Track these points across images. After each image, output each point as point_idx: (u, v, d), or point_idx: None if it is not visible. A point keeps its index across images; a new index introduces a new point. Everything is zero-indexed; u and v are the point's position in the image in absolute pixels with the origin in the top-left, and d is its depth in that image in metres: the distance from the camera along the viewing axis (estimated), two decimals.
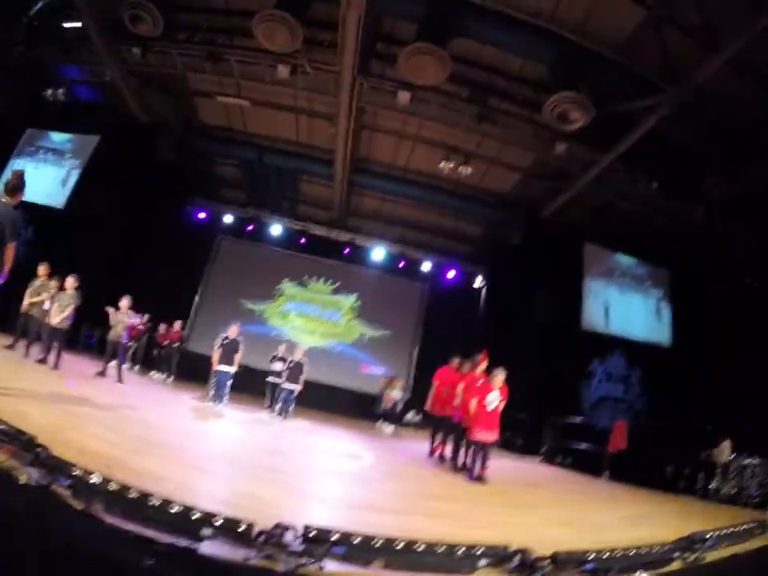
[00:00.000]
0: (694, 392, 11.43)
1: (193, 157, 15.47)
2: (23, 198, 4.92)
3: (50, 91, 13.06)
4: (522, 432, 12.17)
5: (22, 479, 2.49)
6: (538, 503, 5.50)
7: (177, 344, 12.93)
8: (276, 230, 16.75)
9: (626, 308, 13.73)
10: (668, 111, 9.05)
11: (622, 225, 13.22)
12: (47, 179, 14.22)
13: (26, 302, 8.93)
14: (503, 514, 4.63)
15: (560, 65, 9.12)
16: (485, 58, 10.07)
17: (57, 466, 2.65)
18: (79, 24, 11.43)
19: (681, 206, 11.70)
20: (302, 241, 16.85)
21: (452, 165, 11.89)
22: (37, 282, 9.08)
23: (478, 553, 2.62)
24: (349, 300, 16.92)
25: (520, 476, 8.16)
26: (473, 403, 6.91)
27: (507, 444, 11.79)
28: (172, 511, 2.41)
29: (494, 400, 6.74)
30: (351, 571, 2.35)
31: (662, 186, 11.38)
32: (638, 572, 2.71)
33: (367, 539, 2.56)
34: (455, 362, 8.68)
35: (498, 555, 2.63)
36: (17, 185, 4.86)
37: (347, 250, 16.78)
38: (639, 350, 13.26)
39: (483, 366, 7.48)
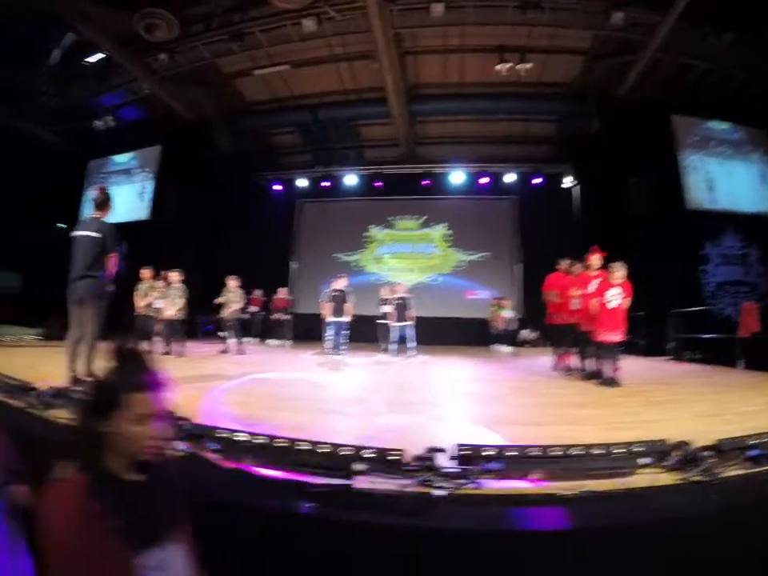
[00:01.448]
0: None
1: (250, 136, 15.60)
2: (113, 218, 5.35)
3: (98, 122, 13.61)
4: (644, 332, 11.33)
5: (169, 451, 2.72)
6: (678, 399, 5.25)
7: (286, 309, 13.59)
8: (350, 180, 16.73)
9: (729, 179, 12.29)
10: None
11: (705, 89, 11.84)
12: (125, 197, 15.08)
13: (139, 303, 9.68)
14: (644, 413, 4.46)
15: None
16: None
17: (202, 433, 2.90)
18: (100, 54, 11.71)
19: (762, 54, 10.25)
20: (378, 184, 16.68)
21: (508, 65, 11.09)
22: (144, 286, 9.78)
23: (637, 451, 2.65)
24: (439, 230, 16.74)
25: (652, 375, 7.79)
26: (592, 304, 6.64)
27: (630, 347, 11.23)
28: (321, 452, 2.60)
29: (615, 297, 6.41)
30: (509, 486, 2.40)
31: (737, 36, 9.96)
32: None
33: (522, 450, 2.65)
34: (563, 265, 8.31)
35: (658, 451, 2.67)
36: (103, 199, 5.32)
37: (425, 182, 16.42)
38: (752, 225, 11.88)
39: (596, 263, 7.18)
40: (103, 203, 5.31)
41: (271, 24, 10.71)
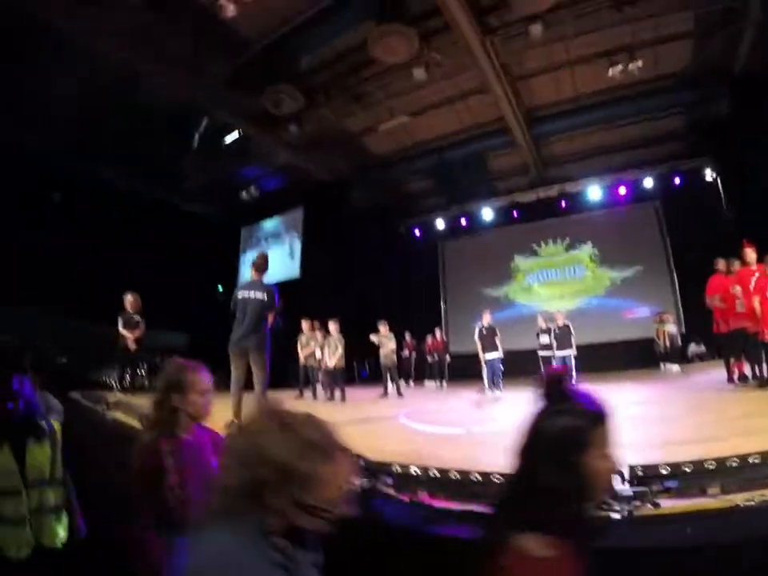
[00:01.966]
0: None
1: (384, 187, 16.40)
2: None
3: (244, 193, 15.20)
4: None
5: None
6: None
7: (442, 350, 13.76)
8: (486, 214, 16.73)
9: None
10: None
11: None
12: (277, 259, 16.48)
13: (301, 354, 10.40)
14: None
15: None
16: None
17: (377, 469, 3.09)
18: (236, 134, 13.09)
19: None
20: (515, 214, 16.52)
21: (620, 67, 10.61)
22: (304, 337, 10.52)
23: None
24: (585, 251, 15.97)
25: None
26: (755, 302, 6.03)
27: None
28: (497, 481, 2.65)
29: None
30: (687, 504, 2.31)
31: None
32: None
33: (699, 465, 2.54)
34: (722, 266, 7.66)
35: None
36: (263, 262, 6.15)
37: (562, 203, 15.95)
38: None
39: (751, 257, 6.53)
40: (263, 266, 6.11)
41: (384, 80, 11.30)
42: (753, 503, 2.09)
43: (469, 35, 9.42)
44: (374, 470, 3.10)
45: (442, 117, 13.36)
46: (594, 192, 15.38)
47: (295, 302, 14.59)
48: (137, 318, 8.94)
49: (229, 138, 13.33)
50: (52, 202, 12.94)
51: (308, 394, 10.52)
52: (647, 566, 1.95)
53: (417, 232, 17.94)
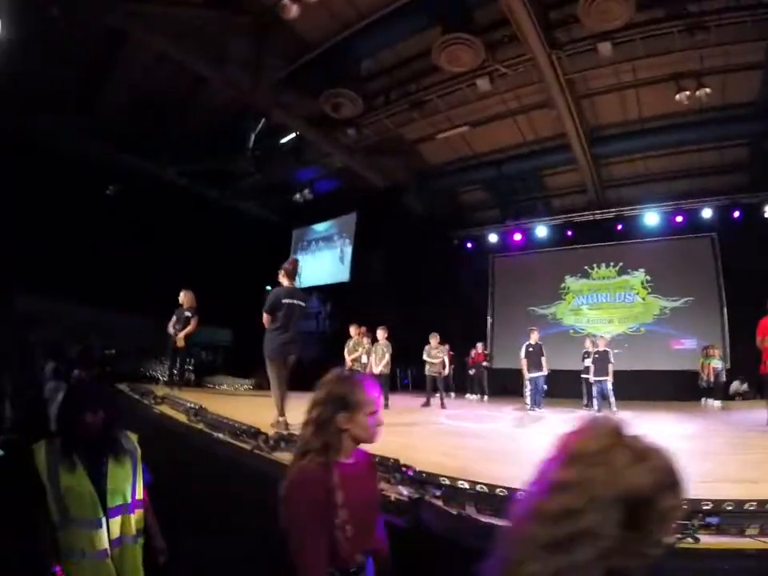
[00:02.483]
0: None
1: (439, 197, 16.52)
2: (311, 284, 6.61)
3: (297, 195, 15.45)
4: None
5: (394, 496, 3.11)
6: None
7: (484, 363, 13.74)
8: (540, 231, 16.53)
9: None
10: None
11: None
12: (327, 262, 16.84)
13: (348, 359, 10.60)
14: None
15: None
16: None
17: (425, 480, 3.23)
18: (292, 134, 13.33)
19: None
20: (570, 233, 16.29)
21: (688, 93, 10.42)
22: (351, 342, 10.69)
23: None
24: (637, 277, 15.59)
25: None
26: None
27: None
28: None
29: None
30: (726, 541, 2.39)
31: None
32: None
33: (739, 505, 2.58)
34: None
35: None
36: (295, 269, 6.28)
37: (618, 227, 15.59)
38: None
39: None
40: (296, 273, 6.31)
41: (446, 89, 11.33)
42: None
43: (536, 48, 9.40)
44: (422, 480, 3.21)
45: (503, 129, 13.36)
46: (651, 218, 15.01)
47: (344, 306, 14.92)
48: (188, 313, 9.19)
49: (285, 139, 13.63)
50: (108, 195, 13.54)
51: None
52: None
53: (469, 244, 17.88)
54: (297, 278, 6.26)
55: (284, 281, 6.14)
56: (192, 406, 6.10)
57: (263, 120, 12.78)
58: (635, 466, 0.95)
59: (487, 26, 9.72)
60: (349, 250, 16.66)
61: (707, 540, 2.32)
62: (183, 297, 9.33)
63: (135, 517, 2.54)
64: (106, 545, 2.36)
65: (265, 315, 5.96)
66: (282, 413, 5.69)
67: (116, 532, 2.41)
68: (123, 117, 12.11)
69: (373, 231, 15.82)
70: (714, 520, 2.44)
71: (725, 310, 14.08)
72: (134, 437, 2.73)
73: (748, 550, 2.22)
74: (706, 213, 14.36)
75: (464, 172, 15.27)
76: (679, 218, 14.74)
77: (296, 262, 6.36)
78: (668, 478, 0.98)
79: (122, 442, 2.59)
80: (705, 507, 2.53)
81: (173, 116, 12.21)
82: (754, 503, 2.51)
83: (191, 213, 14.41)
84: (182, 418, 5.98)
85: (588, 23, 8.64)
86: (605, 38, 9.22)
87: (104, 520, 2.37)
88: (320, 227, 17.80)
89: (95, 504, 2.37)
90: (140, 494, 2.61)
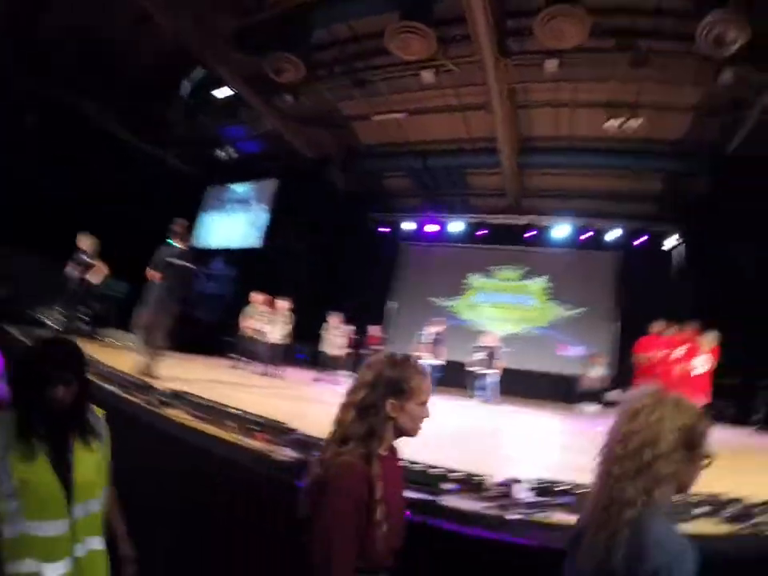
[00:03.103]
0: None
1: (363, 177, 16.52)
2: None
3: (220, 152, 14.77)
4: (734, 400, 10.68)
5: (278, 457, 3.13)
6: (754, 468, 5.06)
7: (377, 347, 13.86)
8: (455, 227, 16.99)
9: None
10: None
11: None
12: (240, 225, 16.23)
13: (246, 325, 10.36)
14: (719, 475, 4.32)
15: None
16: (620, 1, 9.21)
17: (309, 442, 3.22)
18: (228, 90, 12.70)
19: None
20: (482, 232, 16.82)
21: (618, 122, 11.07)
22: (254, 309, 10.45)
23: (694, 501, 2.80)
24: (539, 283, 16.48)
25: (733, 443, 7.47)
26: (676, 369, 6.52)
27: (718, 414, 10.55)
28: (414, 469, 2.89)
29: (701, 364, 6.27)
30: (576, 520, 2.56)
31: None
32: None
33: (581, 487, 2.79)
34: (656, 328, 8.21)
35: (713, 504, 2.86)
36: (180, 232, 6.30)
37: (529, 233, 16.35)
38: None
39: (685, 329, 7.04)
40: (186, 234, 6.35)
41: (392, 73, 11.31)
42: None
43: (486, 52, 9.56)
44: (307, 442, 3.27)
45: (438, 122, 13.55)
46: (561, 231, 15.92)
47: (252, 272, 14.49)
48: (88, 258, 8.61)
49: (219, 94, 12.99)
50: (24, 125, 12.17)
51: (245, 365, 10.39)
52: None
53: (385, 228, 17.99)
54: (189, 240, 6.30)
55: (174, 241, 6.18)
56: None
57: (202, 70, 12.18)
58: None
59: (444, 20, 9.72)
60: (264, 216, 16.20)
61: (559, 517, 2.60)
62: (83, 241, 8.71)
63: (101, 516, 2.07)
64: (70, 554, 1.87)
65: (150, 272, 6.03)
66: (150, 360, 5.70)
67: (81, 537, 1.92)
68: (56, 45, 11.04)
69: (291, 201, 15.41)
70: (567, 499, 2.74)
71: (615, 323, 15.25)
72: (100, 412, 2.18)
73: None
74: (614, 234, 15.49)
75: (392, 157, 15.32)
76: (587, 235, 15.79)
77: (186, 223, 6.34)
78: (700, 412, 1.48)
79: (90, 421, 2.07)
80: (561, 488, 2.87)
81: (107, 50, 11.27)
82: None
83: (106, 153, 13.28)
84: None
85: (541, 38, 8.87)
86: (553, 55, 9.60)
87: (68, 522, 1.88)
88: (238, 188, 17.08)
89: (59, 502, 1.86)
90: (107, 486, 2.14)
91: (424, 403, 1.76)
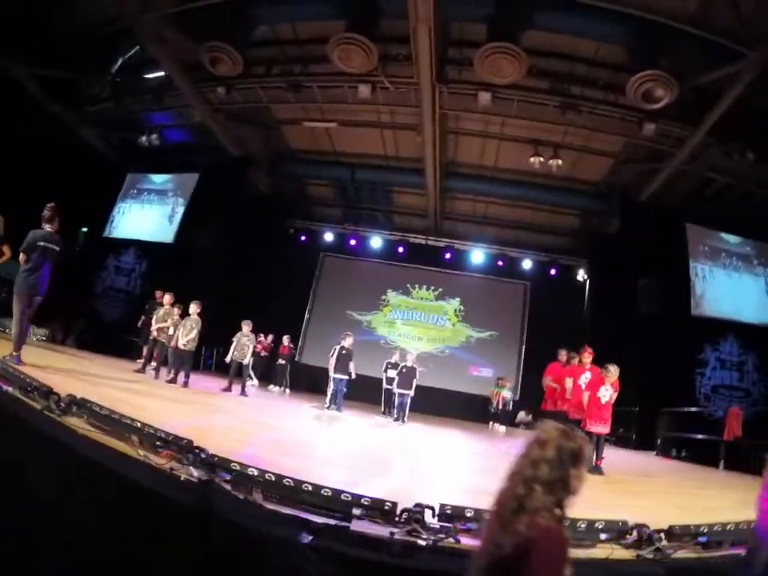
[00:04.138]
0: None
1: (287, 182, 16.35)
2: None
3: (143, 138, 13.83)
4: (635, 426, 11.59)
5: (184, 477, 3.01)
6: (654, 491, 5.47)
7: (288, 357, 13.67)
8: (375, 242, 17.18)
9: (735, 290, 12.66)
10: (752, 76, 8.34)
11: (722, 202, 12.44)
12: (154, 218, 15.44)
13: (153, 328, 9.83)
14: (620, 500, 4.62)
15: (636, 43, 8.78)
16: (559, 46, 9.83)
17: (217, 464, 3.15)
18: (161, 73, 12.24)
19: None
20: (401, 251, 17.14)
21: (542, 159, 11.69)
22: (162, 310, 9.93)
23: (600, 527, 3.01)
24: (453, 304, 16.99)
25: (635, 468, 8.04)
26: (585, 396, 6.88)
27: (621, 439, 11.42)
28: (325, 495, 2.91)
29: (606, 393, 6.67)
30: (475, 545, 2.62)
31: (759, 156, 10.38)
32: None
33: (479, 513, 2.83)
34: (563, 356, 8.69)
35: (618, 530, 3.06)
36: (47, 216, 6.20)
37: (447, 256, 16.88)
38: (754, 334, 12.13)
39: (588, 359, 7.46)
40: (53, 218, 6.24)
41: (329, 82, 11.34)
42: None
43: (424, 75, 9.81)
44: (214, 464, 3.20)
45: (368, 137, 13.72)
46: (477, 256, 16.60)
47: (163, 269, 13.77)
48: None
49: (150, 76, 12.50)
50: None
51: (150, 371, 9.82)
52: None
53: (304, 237, 17.84)
54: (54, 223, 6.23)
55: (44, 224, 6.16)
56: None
57: (136, 48, 11.61)
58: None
59: (389, 37, 9.93)
60: (181, 210, 15.42)
61: (468, 542, 2.67)
62: None
63: None
64: None
65: (21, 254, 6.03)
66: (17, 348, 5.69)
67: None
68: None
69: (211, 197, 14.59)
70: (473, 525, 2.83)
71: (523, 348, 16.09)
72: None
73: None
74: (526, 264, 16.38)
75: (318, 165, 15.33)
76: (501, 262, 16.55)
77: (54, 207, 6.30)
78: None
79: None
80: (467, 514, 2.94)
81: (42, 14, 10.45)
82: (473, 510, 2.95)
83: (26, 123, 12.27)
84: None
85: (479, 71, 9.29)
86: (488, 88, 10.03)
87: None
88: (157, 178, 16.09)
89: None
90: None
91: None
